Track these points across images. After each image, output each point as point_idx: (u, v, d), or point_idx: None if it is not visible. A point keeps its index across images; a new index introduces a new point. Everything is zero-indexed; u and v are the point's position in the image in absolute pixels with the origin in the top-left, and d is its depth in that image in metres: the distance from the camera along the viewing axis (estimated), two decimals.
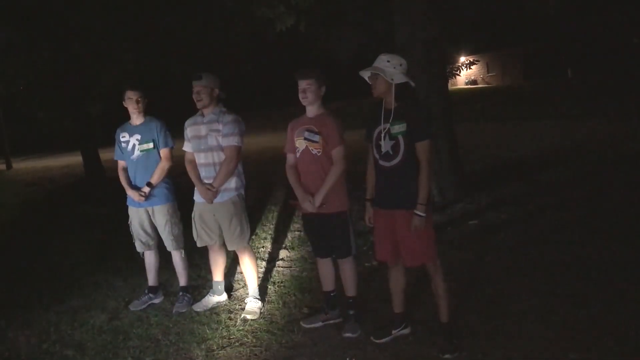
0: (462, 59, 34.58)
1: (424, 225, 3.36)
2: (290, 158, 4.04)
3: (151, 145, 4.66)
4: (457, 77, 34.06)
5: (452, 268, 4.86)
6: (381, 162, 3.50)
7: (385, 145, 3.45)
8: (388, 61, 3.44)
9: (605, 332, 3.49)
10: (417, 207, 3.35)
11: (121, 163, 4.81)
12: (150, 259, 4.91)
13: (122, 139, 4.76)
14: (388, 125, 3.43)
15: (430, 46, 7.06)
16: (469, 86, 43.45)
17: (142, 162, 4.69)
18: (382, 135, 3.45)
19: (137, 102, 4.64)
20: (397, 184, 3.44)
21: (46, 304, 5.09)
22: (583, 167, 8.83)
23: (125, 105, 4.70)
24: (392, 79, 3.40)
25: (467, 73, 37.65)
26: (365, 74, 3.55)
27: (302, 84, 3.83)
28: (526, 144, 12.32)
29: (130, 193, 4.68)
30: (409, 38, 7.08)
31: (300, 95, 3.85)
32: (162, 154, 4.69)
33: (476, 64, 34.28)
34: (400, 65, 3.45)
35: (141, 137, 4.68)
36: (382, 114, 3.47)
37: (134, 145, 4.69)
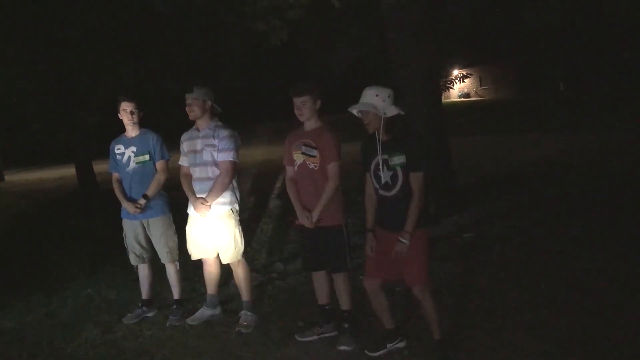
0: (455, 72, 34.80)
1: (408, 252, 3.36)
2: (289, 171, 4.05)
3: (147, 157, 4.66)
4: (451, 90, 34.25)
5: (446, 281, 4.87)
6: (381, 192, 3.52)
7: (385, 176, 3.46)
8: (377, 95, 3.42)
9: (600, 345, 3.49)
10: (401, 234, 3.36)
11: (116, 175, 4.80)
12: (144, 272, 4.89)
13: (117, 151, 4.76)
14: (386, 157, 3.43)
15: (424, 59, 7.11)
16: (462, 99, 43.74)
17: (138, 174, 4.68)
18: (381, 166, 3.47)
19: (132, 113, 4.64)
20: (398, 211, 3.43)
21: (39, 318, 5.05)
22: (576, 179, 8.88)
23: (120, 117, 4.71)
24: (384, 114, 3.40)
25: (460, 86, 37.89)
26: (355, 110, 3.53)
27: (297, 101, 3.85)
28: (519, 157, 12.37)
29: (126, 205, 4.67)
30: (402, 51, 7.13)
31: (297, 112, 3.88)
32: (158, 167, 4.69)
33: (469, 77, 34.53)
34: (389, 96, 3.44)
35: (137, 149, 4.68)
36: (379, 145, 3.47)
37: (129, 157, 4.69)
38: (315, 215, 3.83)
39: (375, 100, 3.42)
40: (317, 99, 3.90)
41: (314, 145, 3.84)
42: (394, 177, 3.43)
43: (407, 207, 3.39)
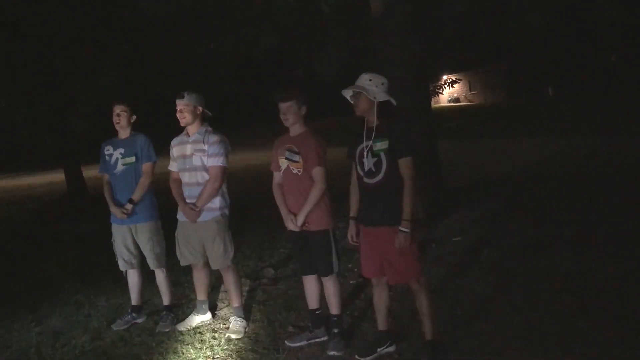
0: (445, 77, 34.97)
1: (409, 242, 3.38)
2: (276, 176, 4.06)
3: (133, 159, 4.66)
4: (440, 95, 34.40)
5: (436, 285, 4.88)
6: (365, 180, 3.53)
7: (368, 162, 3.48)
8: (370, 80, 3.49)
9: (591, 348, 3.51)
10: (401, 224, 3.37)
11: (106, 177, 4.81)
12: (133, 278, 4.87)
13: (106, 152, 4.78)
14: (370, 143, 3.46)
15: (413, 64, 7.14)
16: (452, 104, 43.94)
17: (124, 177, 4.68)
18: (365, 152, 3.49)
19: (118, 115, 4.65)
20: (381, 201, 3.46)
21: (27, 324, 5.01)
22: (566, 183, 8.94)
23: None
24: (374, 98, 3.45)
25: (449, 91, 38.08)
26: (348, 93, 3.59)
27: (283, 107, 3.88)
28: (509, 161, 12.45)
29: (113, 210, 4.65)
30: (391, 56, 7.15)
31: (282, 117, 3.91)
32: (143, 169, 4.69)
33: (458, 83, 34.73)
34: (382, 84, 3.50)
35: (124, 151, 4.68)
36: (365, 132, 3.51)
37: (117, 159, 4.70)
38: (300, 218, 3.84)
39: (368, 84, 3.47)
40: (302, 104, 3.92)
41: (297, 150, 3.86)
42: (377, 164, 3.45)
43: (392, 199, 3.40)
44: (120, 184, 4.70)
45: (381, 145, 3.43)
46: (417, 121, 7.02)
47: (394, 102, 3.52)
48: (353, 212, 3.70)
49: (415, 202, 3.48)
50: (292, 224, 3.87)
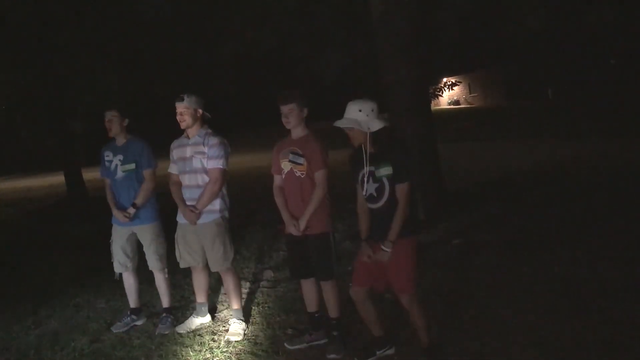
0: (444, 79, 34.97)
1: (394, 260, 3.37)
2: (277, 179, 4.05)
3: (133, 166, 4.66)
4: (440, 97, 34.42)
5: (435, 287, 4.89)
6: (368, 205, 3.53)
7: (369, 188, 3.47)
8: (360, 110, 3.40)
9: (589, 351, 3.51)
10: (384, 243, 3.37)
11: (107, 180, 4.81)
12: (128, 281, 4.86)
13: (106, 158, 4.78)
14: (372, 169, 3.44)
15: (413, 67, 7.15)
16: (452, 106, 43.95)
17: (125, 183, 4.68)
18: (366, 178, 3.48)
19: (109, 121, 4.66)
20: (384, 223, 3.43)
21: (26, 327, 5.01)
22: (565, 186, 8.95)
23: None
24: (368, 129, 3.39)
25: (449, 94, 38.08)
26: (342, 124, 3.49)
27: (284, 109, 3.86)
28: (509, 164, 12.46)
29: (116, 213, 4.67)
30: (391, 59, 7.17)
31: (283, 120, 3.89)
32: (145, 175, 4.69)
33: (458, 85, 34.72)
34: (372, 110, 3.41)
35: (124, 158, 4.68)
36: (365, 158, 3.47)
37: (116, 166, 4.70)
38: (302, 223, 3.83)
39: (359, 116, 3.40)
40: (304, 106, 3.91)
41: (301, 153, 3.85)
42: (379, 189, 3.43)
43: (390, 221, 3.39)
44: (121, 188, 4.70)
45: (385, 171, 3.40)
46: (416, 124, 7.04)
47: (387, 124, 3.44)
48: (364, 234, 3.62)
49: (410, 222, 3.44)
50: (295, 229, 3.86)
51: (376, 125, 3.39)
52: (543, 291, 4.58)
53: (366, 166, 3.46)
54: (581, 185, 8.79)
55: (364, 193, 3.50)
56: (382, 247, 3.37)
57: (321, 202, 3.84)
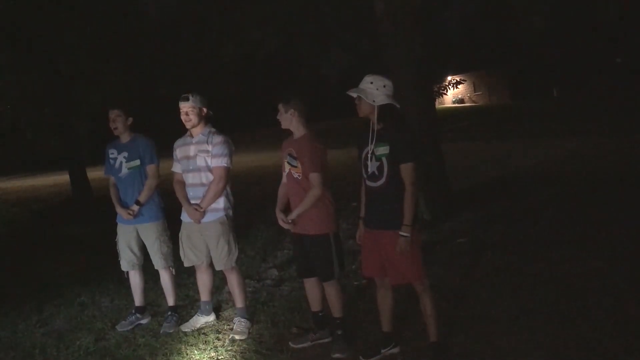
0: (449, 78, 34.93)
1: (409, 246, 3.37)
2: (283, 177, 4.10)
3: (137, 162, 4.68)
4: (445, 96, 34.36)
5: (440, 286, 4.87)
6: (368, 182, 3.54)
7: (372, 166, 3.48)
8: (371, 82, 3.45)
9: (595, 352, 3.50)
10: (401, 228, 3.37)
11: (112, 178, 4.82)
12: (135, 279, 4.88)
13: (110, 156, 4.80)
14: (374, 147, 3.46)
15: (417, 66, 7.14)
16: (457, 105, 43.89)
17: (130, 180, 4.70)
18: (369, 156, 3.48)
19: (114, 120, 4.68)
20: (382, 204, 3.46)
21: (31, 325, 5.02)
22: (570, 185, 8.91)
23: None
24: (373, 101, 3.42)
25: (454, 92, 38.02)
26: (352, 93, 3.57)
27: (282, 109, 3.93)
28: (513, 163, 12.42)
29: (119, 211, 4.68)
30: (396, 58, 7.16)
31: (282, 120, 3.97)
32: (148, 171, 4.70)
33: (462, 84, 34.67)
34: (384, 86, 3.45)
35: (128, 155, 4.70)
36: (371, 135, 3.50)
37: (121, 163, 4.72)
38: (290, 216, 3.89)
39: (369, 87, 3.45)
40: (303, 106, 3.93)
41: (296, 155, 3.87)
42: (380, 168, 3.45)
43: (393, 203, 3.40)
44: (126, 186, 4.72)
45: (382, 151, 3.42)
46: (420, 123, 7.02)
47: (396, 105, 3.49)
48: (363, 212, 3.70)
49: (416, 207, 3.47)
50: (282, 222, 3.94)
51: (382, 100, 3.42)
52: (548, 290, 4.56)
53: (371, 144, 3.47)
54: (587, 184, 8.75)
55: (368, 171, 3.51)
56: (401, 233, 3.35)
57: (318, 202, 3.84)
